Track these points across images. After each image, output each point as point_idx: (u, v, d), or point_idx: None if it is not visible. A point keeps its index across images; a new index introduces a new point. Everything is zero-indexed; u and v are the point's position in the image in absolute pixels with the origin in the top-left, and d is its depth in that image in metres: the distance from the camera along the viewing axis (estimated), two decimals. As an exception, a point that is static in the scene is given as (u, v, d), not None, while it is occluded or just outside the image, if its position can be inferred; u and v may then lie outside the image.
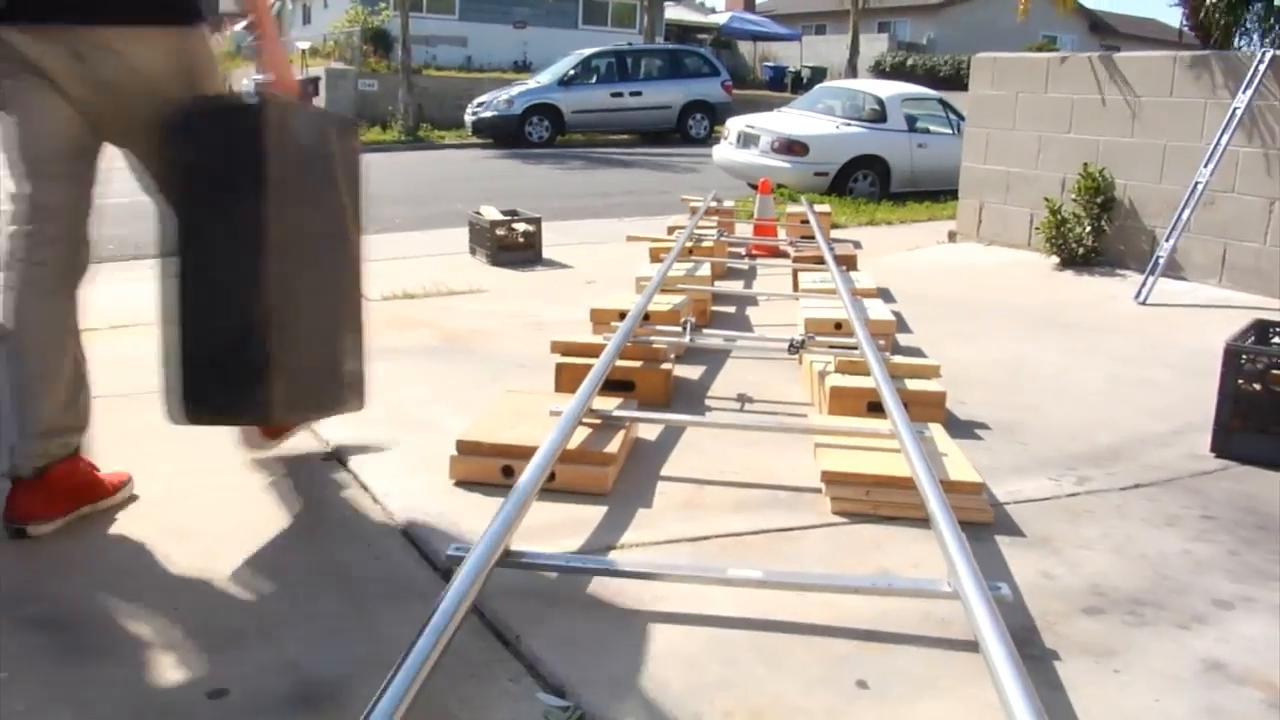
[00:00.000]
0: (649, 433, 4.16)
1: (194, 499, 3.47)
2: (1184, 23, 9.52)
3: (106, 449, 3.90)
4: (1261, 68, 7.26)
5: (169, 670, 2.46)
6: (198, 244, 3.11)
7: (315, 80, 25.41)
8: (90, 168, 3.29)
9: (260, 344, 3.01)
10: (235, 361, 3.05)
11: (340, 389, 3.37)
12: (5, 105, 3.05)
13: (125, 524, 3.26)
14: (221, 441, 3.99)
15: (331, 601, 2.81)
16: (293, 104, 3.21)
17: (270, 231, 3.00)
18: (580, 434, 3.68)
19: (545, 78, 24.26)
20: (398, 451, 3.93)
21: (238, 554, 3.08)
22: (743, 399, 4.77)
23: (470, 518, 3.29)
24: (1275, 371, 4.10)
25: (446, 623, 2.28)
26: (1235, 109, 7.32)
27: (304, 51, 29.11)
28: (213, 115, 3.13)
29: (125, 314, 6.11)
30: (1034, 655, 2.58)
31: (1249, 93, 7.26)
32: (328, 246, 3.40)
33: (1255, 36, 8.87)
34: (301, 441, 4.02)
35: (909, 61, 38.34)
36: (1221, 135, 7.33)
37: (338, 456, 3.87)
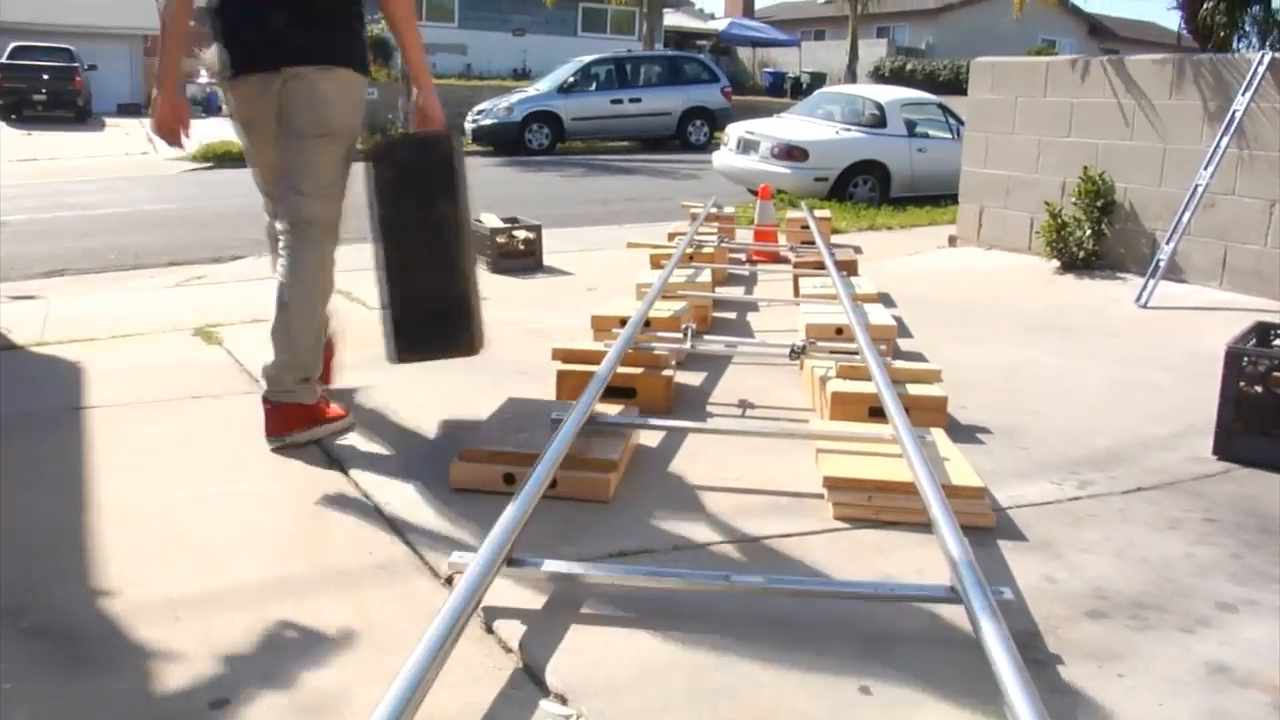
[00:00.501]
0: (651, 439, 4.16)
1: (195, 508, 3.47)
2: (1182, 26, 9.52)
3: (106, 458, 3.91)
4: (1261, 70, 7.26)
5: (170, 680, 2.45)
6: (403, 235, 4.05)
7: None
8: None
9: (460, 304, 4.12)
10: (441, 316, 4.12)
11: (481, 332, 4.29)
12: None
13: (125, 533, 3.26)
14: (221, 451, 4.00)
15: (333, 610, 2.80)
16: (453, 134, 4.16)
17: (462, 223, 4.05)
18: (582, 441, 3.68)
19: (545, 85, 24.28)
20: (399, 459, 3.93)
21: (239, 562, 3.08)
22: (744, 405, 4.77)
23: (472, 525, 3.29)
24: (1277, 374, 4.09)
25: (449, 630, 2.28)
26: (1235, 111, 7.32)
27: (303, 61, 29.12)
28: (414, 144, 4.18)
29: (125, 324, 6.13)
30: (1037, 659, 2.58)
31: (1248, 95, 7.27)
32: (468, 231, 4.23)
33: (1254, 39, 8.87)
34: (303, 450, 4.02)
35: (908, 66, 38.35)
36: (1221, 138, 7.34)
37: (339, 464, 3.86)
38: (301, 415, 4.03)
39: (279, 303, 3.98)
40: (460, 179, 4.03)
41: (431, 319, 4.12)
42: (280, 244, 4.04)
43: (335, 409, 4.22)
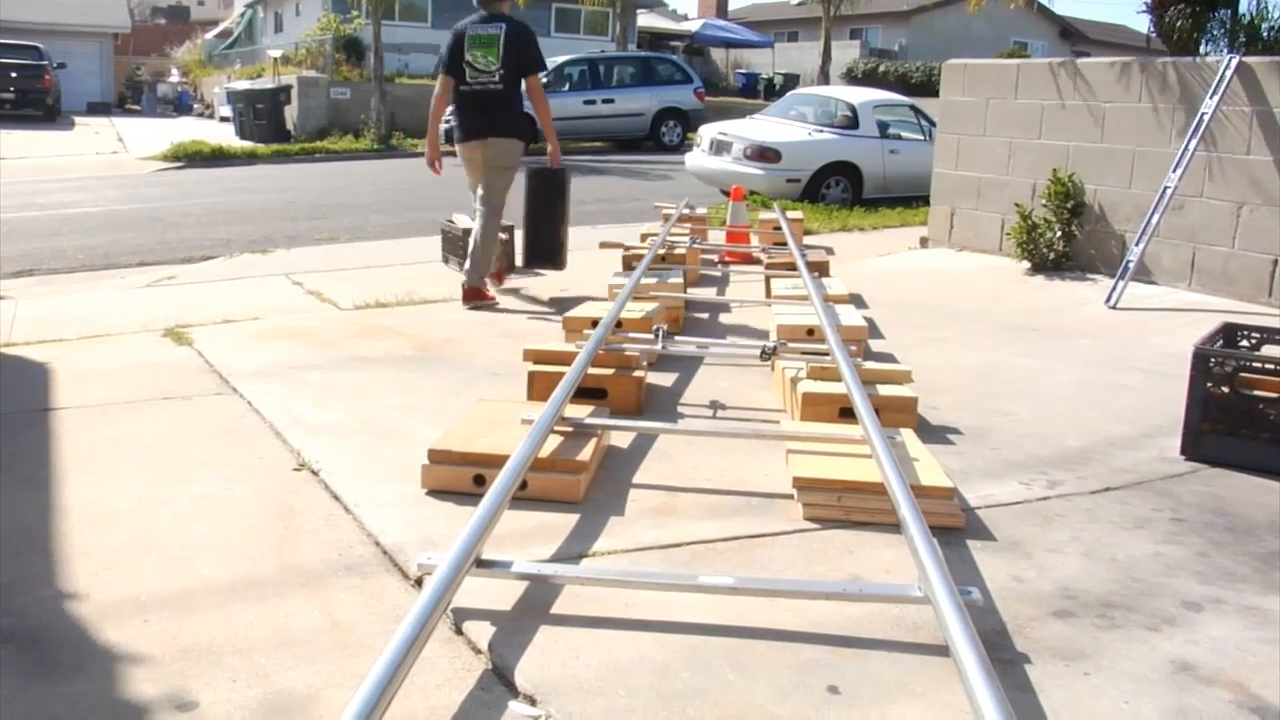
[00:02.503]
0: (621, 440, 4.16)
1: (164, 510, 3.45)
2: (1152, 29, 9.59)
3: (79, 459, 3.89)
4: (1228, 74, 7.32)
5: (138, 683, 2.44)
6: (536, 212, 7.55)
7: (287, 89, 25.34)
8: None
9: (560, 245, 7.63)
10: (551, 249, 7.61)
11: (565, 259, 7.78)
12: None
13: (93, 535, 3.24)
14: (191, 452, 3.98)
15: (302, 611, 2.79)
16: (566, 170, 7.73)
17: (566, 210, 7.66)
18: (552, 442, 3.68)
19: (518, 86, 24.24)
20: (369, 460, 3.92)
21: (207, 564, 3.06)
22: (715, 405, 4.77)
23: (442, 526, 3.28)
24: (1243, 374, 4.13)
25: (417, 631, 2.28)
26: (1203, 115, 7.37)
27: (275, 60, 29.02)
28: (545, 172, 7.56)
29: (95, 324, 6.10)
30: (1005, 659, 2.60)
31: (1216, 98, 7.32)
32: (567, 212, 7.76)
33: (1222, 43, 8.94)
34: (271, 451, 4.01)
35: (881, 68, 38.43)
36: (1189, 141, 7.39)
37: (309, 466, 3.85)
38: (476, 294, 7.01)
39: (473, 239, 7.19)
40: (566, 189, 7.67)
41: (545, 250, 7.62)
42: (477, 212, 7.25)
43: (492, 295, 7.20)
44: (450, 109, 7.35)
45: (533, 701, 2.38)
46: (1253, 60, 7.41)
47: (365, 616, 2.77)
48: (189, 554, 3.13)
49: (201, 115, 37.01)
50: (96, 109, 37.28)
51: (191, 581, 2.96)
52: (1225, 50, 9.16)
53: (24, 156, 20.42)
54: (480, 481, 3.47)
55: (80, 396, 4.66)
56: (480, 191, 7.20)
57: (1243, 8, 9.07)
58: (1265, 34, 8.60)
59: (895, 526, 3.08)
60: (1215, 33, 9.13)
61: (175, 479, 3.72)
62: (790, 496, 3.58)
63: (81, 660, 2.54)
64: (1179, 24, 8.98)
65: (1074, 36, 45.71)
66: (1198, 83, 7.58)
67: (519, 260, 7.83)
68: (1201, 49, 8.98)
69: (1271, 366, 4.10)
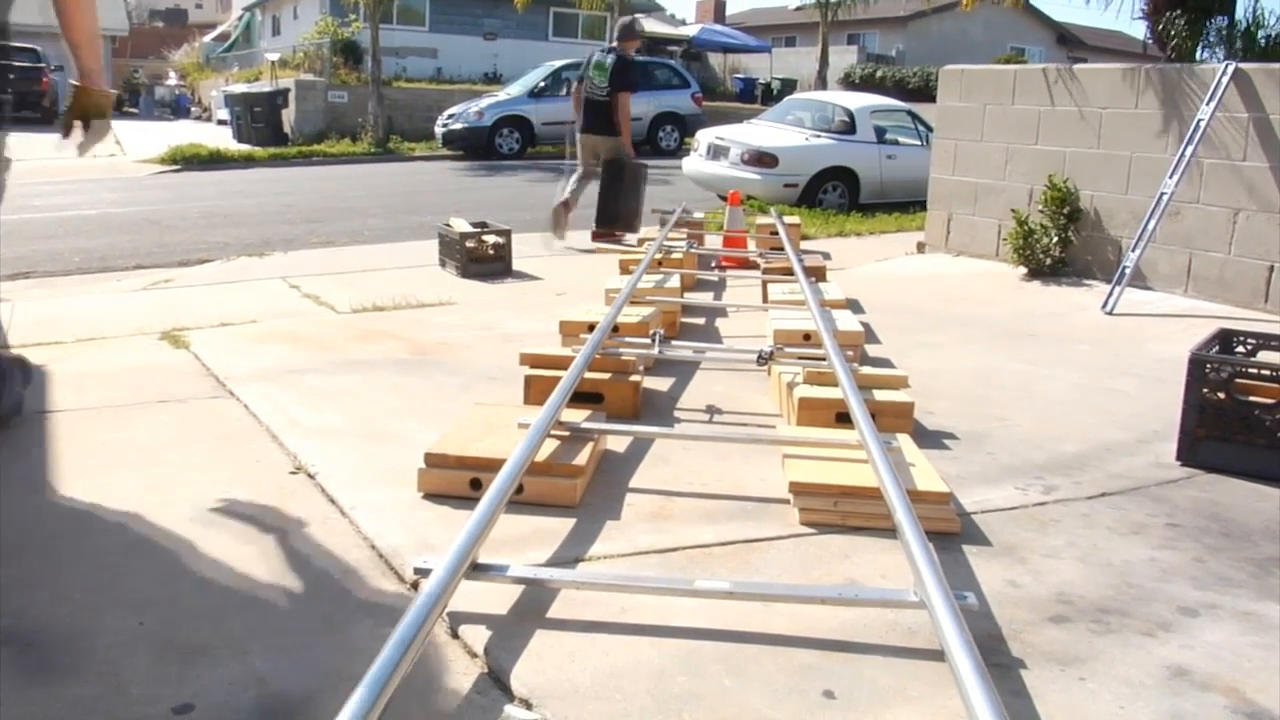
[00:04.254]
0: (618, 444, 4.17)
1: (161, 513, 3.45)
2: (1148, 35, 9.60)
3: (75, 461, 3.89)
4: (1224, 80, 7.33)
5: (134, 686, 2.44)
6: (610, 185, 10.11)
7: (284, 92, 25.34)
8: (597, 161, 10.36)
9: (636, 213, 10.23)
10: (624, 214, 10.19)
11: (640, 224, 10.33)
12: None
13: (91, 538, 3.24)
14: (187, 455, 3.98)
15: (298, 615, 2.79)
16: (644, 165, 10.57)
17: (630, 188, 10.23)
18: (548, 446, 3.68)
19: (515, 89, 24.24)
20: (366, 464, 3.92)
21: (204, 568, 3.06)
22: (711, 410, 4.78)
23: (438, 530, 3.29)
24: (1239, 380, 4.14)
25: (413, 635, 2.28)
26: (1199, 121, 7.39)
27: (273, 63, 29.03)
28: (624, 162, 10.22)
29: (92, 327, 6.09)
30: (1000, 664, 2.60)
31: (1212, 105, 7.33)
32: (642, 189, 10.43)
33: (1219, 50, 8.95)
34: (268, 455, 4.01)
35: (878, 73, 38.46)
36: (1186, 147, 7.40)
37: (305, 469, 3.85)
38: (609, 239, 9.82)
39: (599, 193, 10.16)
40: (634, 173, 10.18)
41: (626, 215, 10.10)
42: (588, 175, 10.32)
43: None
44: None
45: (529, 705, 2.38)
46: (1249, 67, 7.42)
47: (361, 619, 2.77)
48: (185, 556, 3.13)
49: (199, 118, 37.02)
50: (94, 112, 37.20)
51: (187, 584, 2.96)
52: (1221, 57, 9.17)
53: (21, 159, 20.37)
54: (476, 485, 3.47)
55: (77, 399, 4.65)
56: (594, 162, 10.36)
57: (1239, 15, 9.09)
58: (1261, 41, 8.60)
59: (891, 531, 3.08)
60: (1211, 39, 9.12)
61: (172, 482, 3.72)
62: (786, 501, 3.59)
63: (78, 663, 2.54)
64: (1175, 30, 8.98)
65: (1071, 42, 45.78)
66: (1194, 89, 7.59)
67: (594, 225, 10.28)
68: (1198, 55, 8.99)
69: (1267, 372, 4.10)
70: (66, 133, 3.87)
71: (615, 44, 10.41)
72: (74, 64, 3.84)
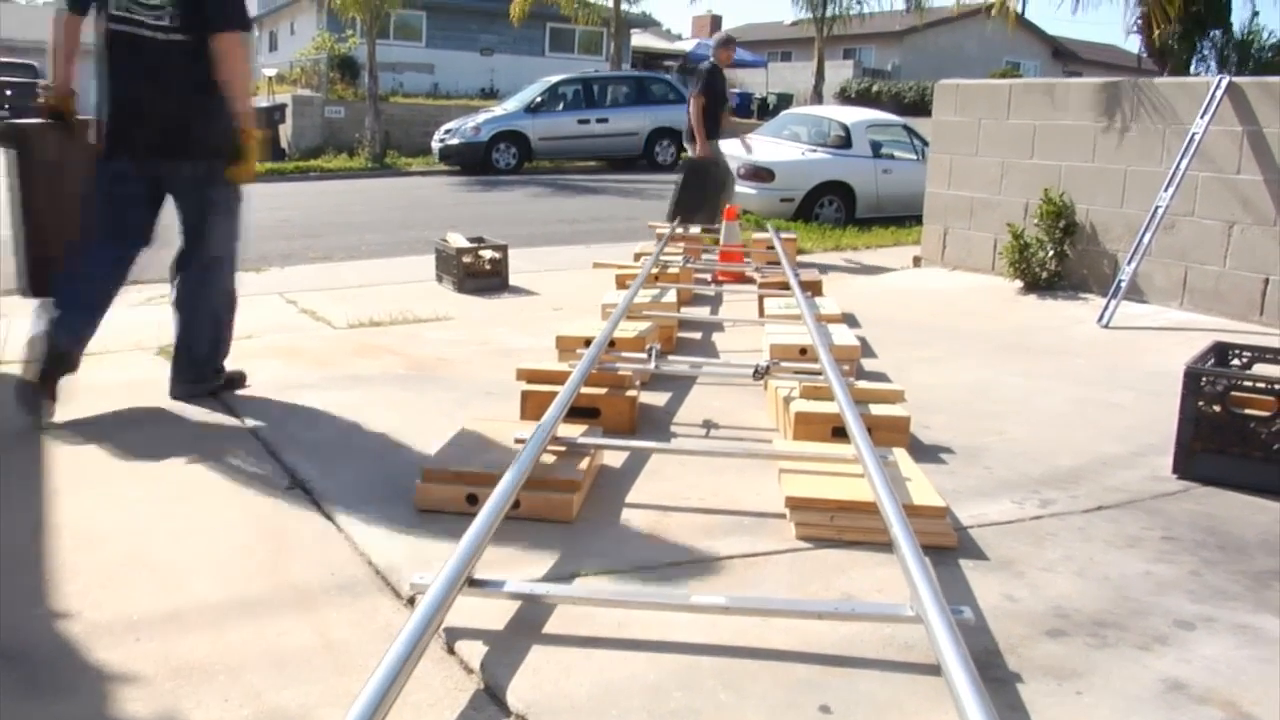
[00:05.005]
0: (614, 459, 4.17)
1: (157, 527, 3.45)
2: (1143, 49, 9.65)
3: (71, 477, 3.89)
4: (1219, 94, 7.35)
5: (130, 703, 2.44)
6: (697, 181, 10.55)
7: (281, 107, 25.37)
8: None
9: (719, 209, 10.16)
10: (713, 203, 10.40)
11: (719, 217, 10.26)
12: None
13: (85, 553, 3.23)
14: (184, 471, 3.98)
15: (294, 630, 2.79)
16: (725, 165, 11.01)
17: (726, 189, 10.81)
18: (545, 461, 3.68)
19: (512, 105, 24.27)
20: (362, 479, 3.91)
21: (200, 583, 3.06)
22: (708, 425, 4.78)
23: (435, 546, 3.28)
24: (1235, 393, 4.14)
25: (410, 651, 2.28)
26: (1194, 134, 7.41)
27: (270, 79, 29.07)
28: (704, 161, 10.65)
29: (90, 342, 6.07)
30: (997, 678, 2.60)
31: (1207, 118, 7.36)
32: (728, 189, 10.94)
33: (1212, 63, 8.99)
34: (264, 470, 4.00)
35: (874, 88, 38.55)
36: (1181, 160, 7.42)
37: (302, 484, 3.85)
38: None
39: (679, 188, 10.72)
40: (727, 177, 10.90)
41: (707, 212, 10.32)
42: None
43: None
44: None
45: (525, 721, 2.38)
46: (1243, 81, 7.45)
47: (357, 636, 2.77)
48: (181, 572, 3.13)
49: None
50: (90, 127, 37.26)
51: (184, 600, 2.96)
52: (1215, 71, 9.20)
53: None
54: (473, 500, 3.47)
55: (72, 414, 4.65)
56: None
57: (1233, 29, 9.14)
58: (1256, 54, 8.65)
59: (888, 546, 3.08)
60: (1205, 53, 9.18)
61: (167, 497, 3.72)
62: (783, 516, 3.59)
63: (74, 680, 2.54)
64: (1170, 45, 9.03)
65: (1066, 57, 45.93)
66: (1188, 103, 7.62)
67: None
68: (1192, 69, 9.03)
69: (1263, 385, 4.11)
70: (235, 169, 4.51)
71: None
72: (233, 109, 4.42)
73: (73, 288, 4.47)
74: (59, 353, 4.36)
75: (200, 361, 4.82)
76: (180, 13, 4.31)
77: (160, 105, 4.45)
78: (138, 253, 4.67)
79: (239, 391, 5.03)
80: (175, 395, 4.79)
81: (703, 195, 10.48)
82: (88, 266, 4.51)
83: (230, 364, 5.08)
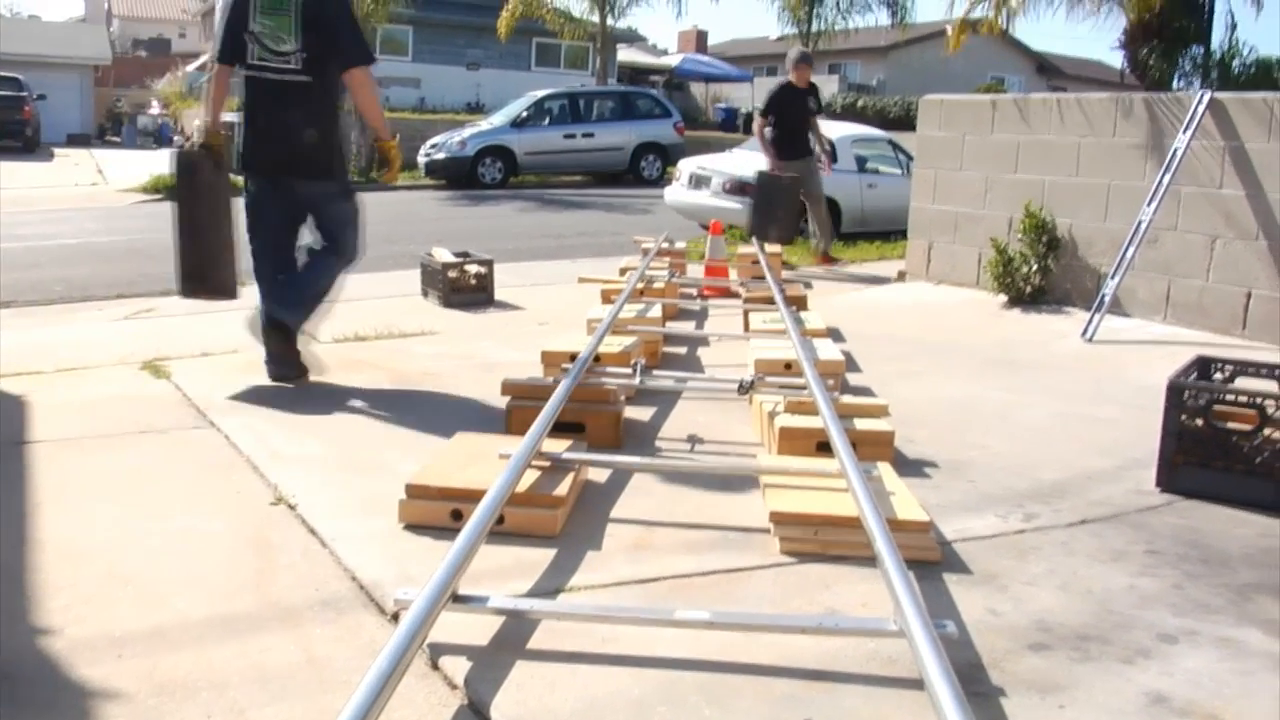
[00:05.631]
0: (599, 475, 4.17)
1: (139, 544, 3.44)
2: (1125, 65, 9.71)
3: (50, 493, 3.87)
4: (1200, 109, 7.40)
5: (112, 720, 2.43)
6: (764, 197, 10.54)
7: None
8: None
9: (795, 216, 10.76)
10: (787, 219, 10.54)
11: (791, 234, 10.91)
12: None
13: (68, 569, 3.22)
14: (167, 486, 3.97)
15: (278, 647, 2.79)
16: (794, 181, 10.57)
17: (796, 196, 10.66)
18: (530, 477, 3.69)
19: (498, 119, 24.27)
20: (347, 495, 3.91)
21: (183, 599, 3.05)
22: (693, 440, 4.78)
23: (419, 561, 3.28)
24: (1217, 407, 4.16)
25: (393, 667, 2.27)
26: (1176, 149, 7.45)
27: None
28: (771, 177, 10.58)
29: (72, 357, 6.07)
30: (980, 692, 2.60)
31: (1189, 133, 7.40)
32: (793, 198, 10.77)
33: (1194, 79, 9.06)
34: (249, 485, 4.00)
35: (859, 103, 38.65)
36: (1163, 175, 7.46)
37: (286, 500, 3.84)
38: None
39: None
40: (800, 188, 10.53)
41: (779, 228, 10.31)
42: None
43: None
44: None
45: (509, 737, 2.38)
46: (1224, 96, 7.49)
47: (341, 652, 2.76)
48: (165, 589, 3.12)
49: (181, 147, 36.97)
50: (76, 140, 37.21)
51: (167, 616, 2.95)
52: (1197, 86, 9.27)
53: (3, 188, 20.37)
54: (458, 516, 3.47)
55: (56, 429, 4.64)
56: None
57: (1214, 45, 9.22)
58: (1236, 70, 8.72)
59: (872, 560, 3.09)
60: (1187, 69, 9.25)
61: (151, 513, 3.71)
62: (767, 531, 3.59)
63: (55, 697, 2.53)
64: (1152, 60, 9.09)
65: (1050, 71, 46.14)
66: (1170, 118, 7.66)
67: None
68: (1174, 85, 9.09)
69: (1245, 399, 4.13)
70: (383, 174, 6.06)
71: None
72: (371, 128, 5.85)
73: (262, 280, 5.47)
74: (276, 322, 5.40)
75: (288, 333, 5.54)
76: (305, 58, 5.19)
77: (289, 134, 5.28)
78: (289, 249, 5.53)
79: (224, 405, 5.03)
80: (277, 375, 5.52)
81: (770, 212, 10.44)
82: (260, 263, 5.47)
83: (209, 377, 5.14)
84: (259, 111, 5.35)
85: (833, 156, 11.68)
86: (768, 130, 10.66)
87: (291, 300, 5.46)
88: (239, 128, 5.43)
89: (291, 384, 5.44)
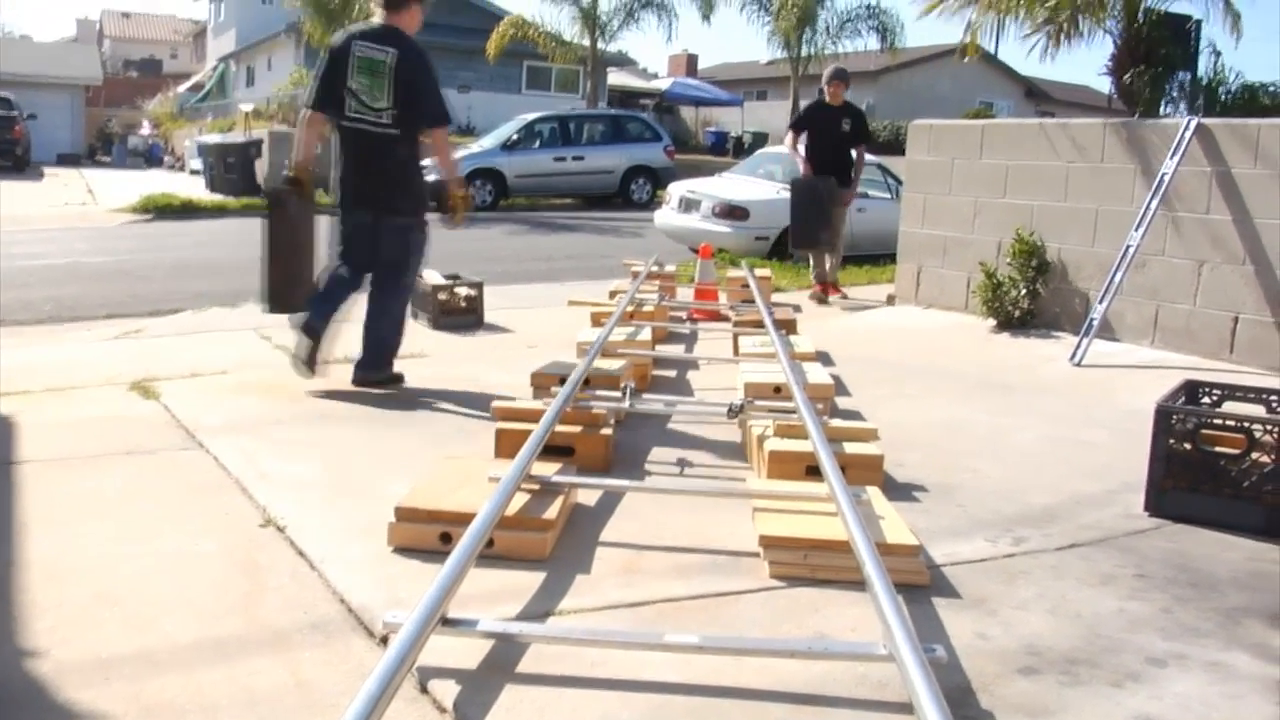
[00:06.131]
0: (588, 498, 4.16)
1: (127, 565, 3.43)
2: (1113, 91, 9.78)
3: (42, 514, 3.86)
4: (1188, 135, 7.44)
5: (98, 743, 2.42)
6: (801, 201, 10.15)
7: (258, 143, 25.36)
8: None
9: (834, 236, 10.17)
10: (822, 235, 10.06)
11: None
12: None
13: (55, 590, 3.21)
14: (155, 507, 3.96)
15: (267, 670, 2.78)
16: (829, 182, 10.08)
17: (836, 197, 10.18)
18: (519, 500, 3.68)
19: (488, 142, 24.29)
20: (336, 518, 3.90)
21: (171, 621, 3.04)
22: (682, 463, 4.78)
23: (408, 585, 3.27)
24: (1205, 431, 4.18)
25: (382, 690, 2.27)
26: (1164, 174, 7.49)
27: (247, 113, 29.08)
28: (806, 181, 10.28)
29: (61, 377, 6.06)
30: (969, 716, 2.60)
31: (1176, 158, 7.44)
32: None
33: (1181, 105, 9.12)
34: (237, 507, 3.99)
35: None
36: (1151, 200, 7.49)
37: (275, 522, 3.83)
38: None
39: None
40: (818, 196, 10.03)
41: (822, 230, 9.97)
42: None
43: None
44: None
45: (497, 761, 2.37)
46: (1211, 122, 7.54)
47: (330, 675, 2.75)
48: (153, 611, 3.11)
49: (172, 168, 37.02)
50: (67, 160, 37.25)
51: (155, 639, 2.94)
52: (1184, 112, 9.32)
53: (-8, 209, 20.35)
54: (447, 539, 3.46)
55: (44, 450, 4.63)
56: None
57: (1200, 71, 9.28)
58: (1222, 96, 8.77)
59: (862, 584, 3.09)
60: (1174, 95, 9.31)
61: (140, 534, 3.70)
62: (757, 555, 3.59)
63: (41, 719, 2.51)
64: (1139, 86, 9.14)
65: (1039, 97, 46.32)
66: (1158, 143, 7.70)
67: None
68: (1161, 110, 9.14)
69: (1233, 423, 4.15)
70: (449, 216, 6.35)
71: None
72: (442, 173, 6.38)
73: (322, 293, 6.05)
74: (313, 330, 5.87)
75: (377, 359, 6.13)
76: (395, 115, 5.90)
77: (379, 177, 6.03)
78: (363, 275, 6.16)
79: (213, 426, 5.02)
80: (355, 381, 6.05)
81: (811, 216, 10.07)
82: (331, 282, 6.10)
83: (198, 398, 5.14)
84: (354, 157, 6.10)
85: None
86: (800, 144, 10.39)
87: (326, 317, 6.03)
88: (335, 169, 6.22)
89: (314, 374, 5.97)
